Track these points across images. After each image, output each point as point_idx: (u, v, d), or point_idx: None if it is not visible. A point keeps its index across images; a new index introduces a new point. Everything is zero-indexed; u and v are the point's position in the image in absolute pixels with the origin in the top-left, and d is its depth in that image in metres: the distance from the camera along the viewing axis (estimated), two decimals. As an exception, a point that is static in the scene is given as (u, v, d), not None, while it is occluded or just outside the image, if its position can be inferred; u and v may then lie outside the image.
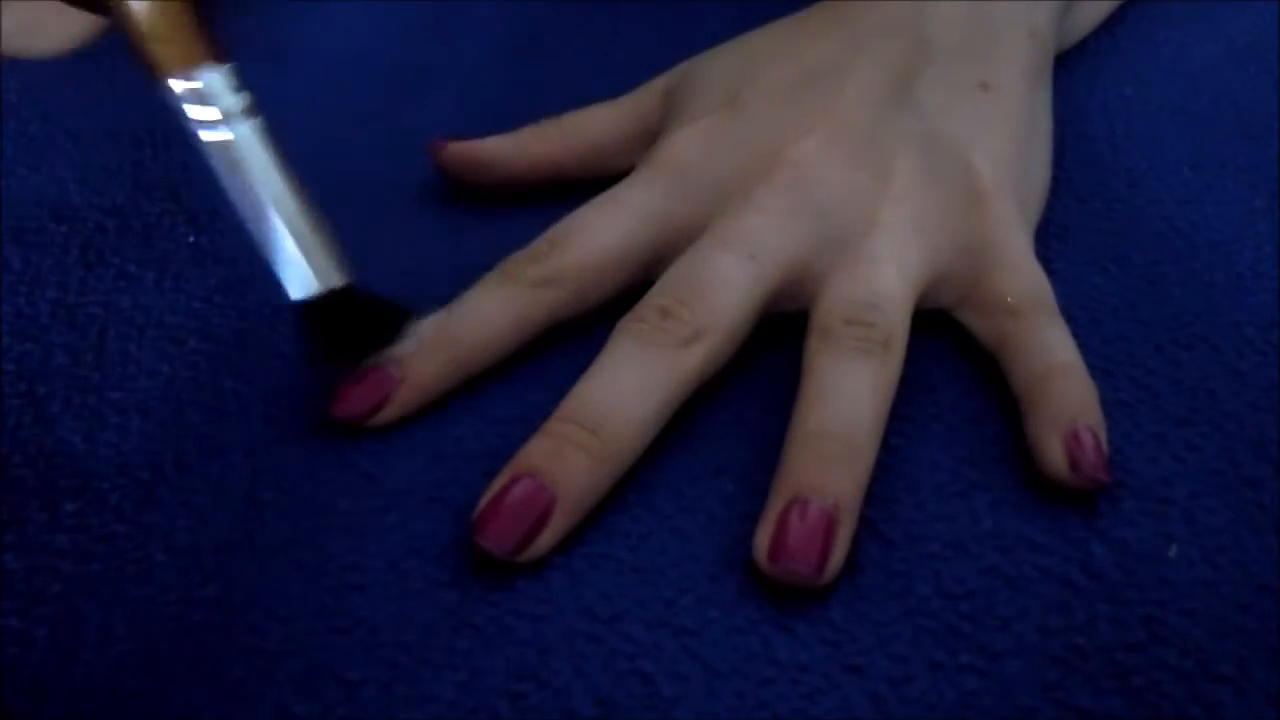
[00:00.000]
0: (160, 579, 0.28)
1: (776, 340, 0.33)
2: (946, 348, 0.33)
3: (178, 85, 0.29)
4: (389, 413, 0.31)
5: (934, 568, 0.28)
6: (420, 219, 0.38)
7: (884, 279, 0.32)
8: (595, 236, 0.33)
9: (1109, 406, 0.30)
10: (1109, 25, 0.46)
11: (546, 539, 0.28)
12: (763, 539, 0.27)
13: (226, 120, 0.29)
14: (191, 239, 0.38)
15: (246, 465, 0.30)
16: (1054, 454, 0.29)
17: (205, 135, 0.29)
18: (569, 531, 0.28)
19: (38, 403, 0.32)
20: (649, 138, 0.37)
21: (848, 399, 0.29)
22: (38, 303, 0.35)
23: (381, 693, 0.26)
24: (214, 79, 0.29)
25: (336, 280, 0.30)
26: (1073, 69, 0.44)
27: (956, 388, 0.32)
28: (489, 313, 0.32)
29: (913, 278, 0.32)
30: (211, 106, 0.29)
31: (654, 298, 0.31)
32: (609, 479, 0.29)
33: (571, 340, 0.33)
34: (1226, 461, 0.30)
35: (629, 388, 0.29)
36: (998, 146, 0.35)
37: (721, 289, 0.31)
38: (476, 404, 0.32)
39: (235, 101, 0.30)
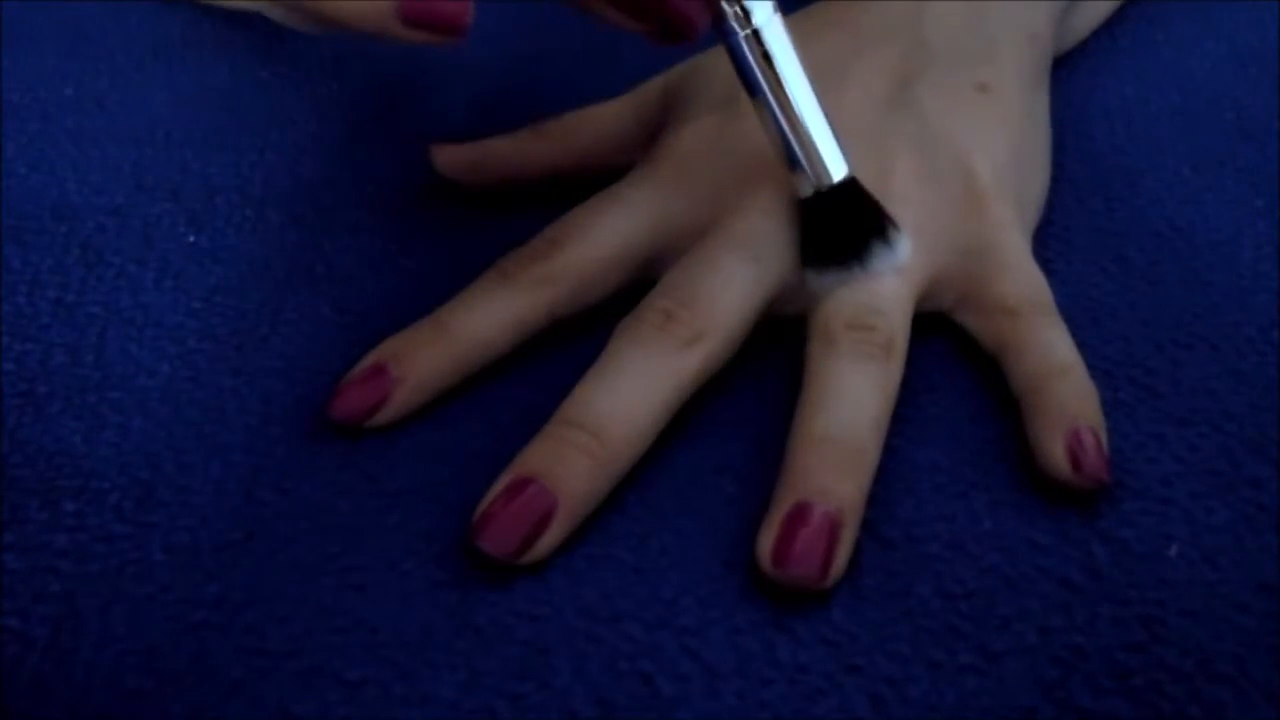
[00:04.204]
0: (160, 579, 0.28)
1: (777, 340, 0.33)
2: (946, 349, 0.33)
3: None
4: (387, 413, 0.31)
5: (934, 568, 0.28)
6: (420, 219, 0.38)
7: (885, 282, 0.32)
8: (595, 234, 0.33)
9: (1109, 406, 0.30)
10: (1109, 25, 0.46)
11: (547, 542, 0.28)
12: (766, 543, 0.27)
13: (760, 18, 0.31)
14: (191, 239, 0.38)
15: (246, 465, 0.30)
16: (1056, 454, 0.29)
17: (742, 33, 0.31)
18: (569, 534, 0.28)
19: (38, 403, 0.32)
20: (649, 136, 0.37)
21: (850, 403, 0.29)
22: (38, 302, 0.35)
23: (381, 693, 0.26)
24: None
25: (849, 168, 0.32)
26: (1073, 69, 0.44)
27: (956, 389, 0.32)
28: (488, 311, 0.32)
29: (913, 280, 0.32)
30: (748, 7, 0.31)
31: (655, 298, 0.31)
32: (610, 481, 0.29)
33: (571, 340, 0.33)
34: (1226, 461, 0.30)
35: (630, 390, 0.29)
36: (996, 148, 0.35)
37: (723, 291, 0.31)
38: (476, 404, 0.32)
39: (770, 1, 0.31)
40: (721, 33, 0.31)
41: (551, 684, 0.26)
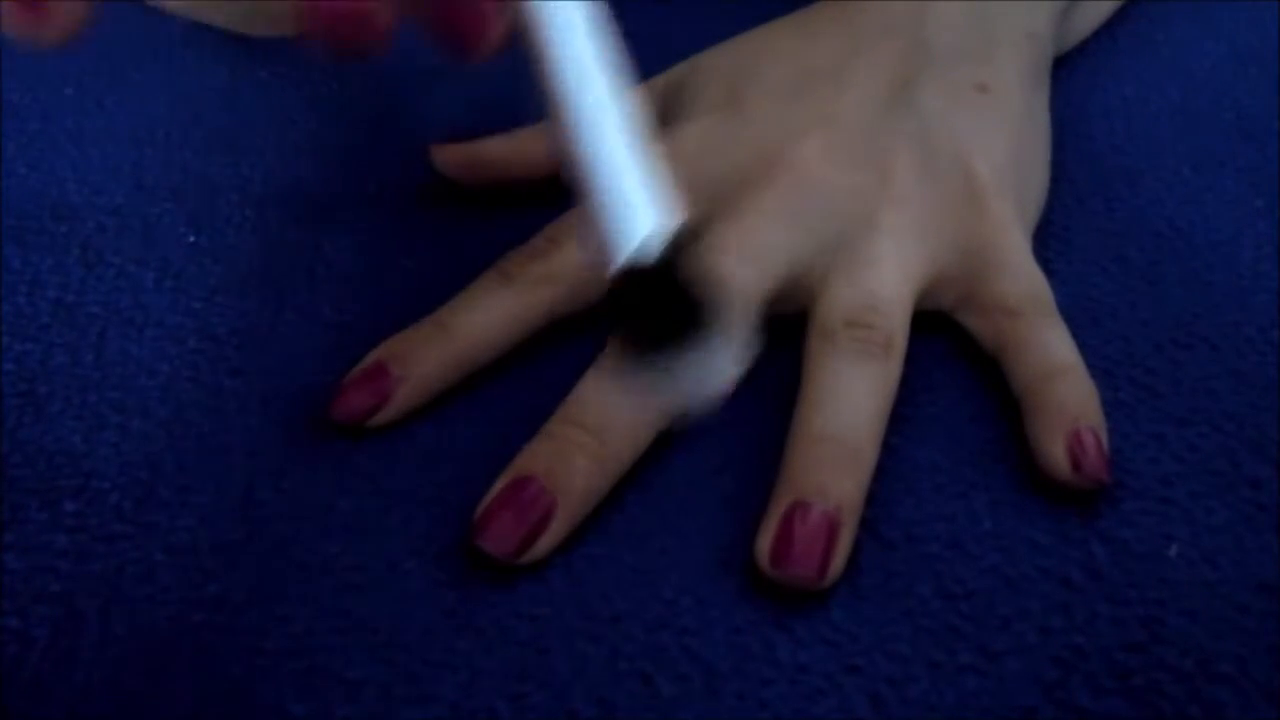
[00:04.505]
0: (160, 579, 0.28)
1: (776, 340, 0.33)
2: (946, 349, 0.33)
3: None
4: (388, 413, 0.31)
5: (934, 568, 0.28)
6: (420, 219, 0.38)
7: (884, 281, 0.32)
8: (595, 235, 0.33)
9: (1109, 406, 0.30)
10: (1109, 25, 0.46)
11: (547, 541, 0.28)
12: (764, 542, 0.27)
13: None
14: (191, 239, 0.38)
15: (246, 465, 0.30)
16: (1056, 454, 0.29)
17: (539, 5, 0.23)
18: (569, 534, 0.28)
19: (38, 403, 0.32)
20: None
21: (849, 401, 0.29)
22: (38, 303, 0.35)
23: (381, 693, 0.26)
24: None
25: (676, 219, 0.23)
26: (1073, 69, 0.44)
27: (956, 389, 0.32)
28: (488, 310, 0.32)
29: (912, 279, 0.32)
30: None
31: (654, 298, 0.31)
32: (610, 481, 0.29)
33: (571, 340, 0.33)
34: (1226, 461, 0.30)
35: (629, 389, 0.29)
36: (996, 148, 0.35)
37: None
38: (476, 403, 0.32)
39: None
40: (521, 14, 0.24)
41: (551, 684, 0.26)
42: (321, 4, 0.23)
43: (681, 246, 0.23)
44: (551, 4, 0.24)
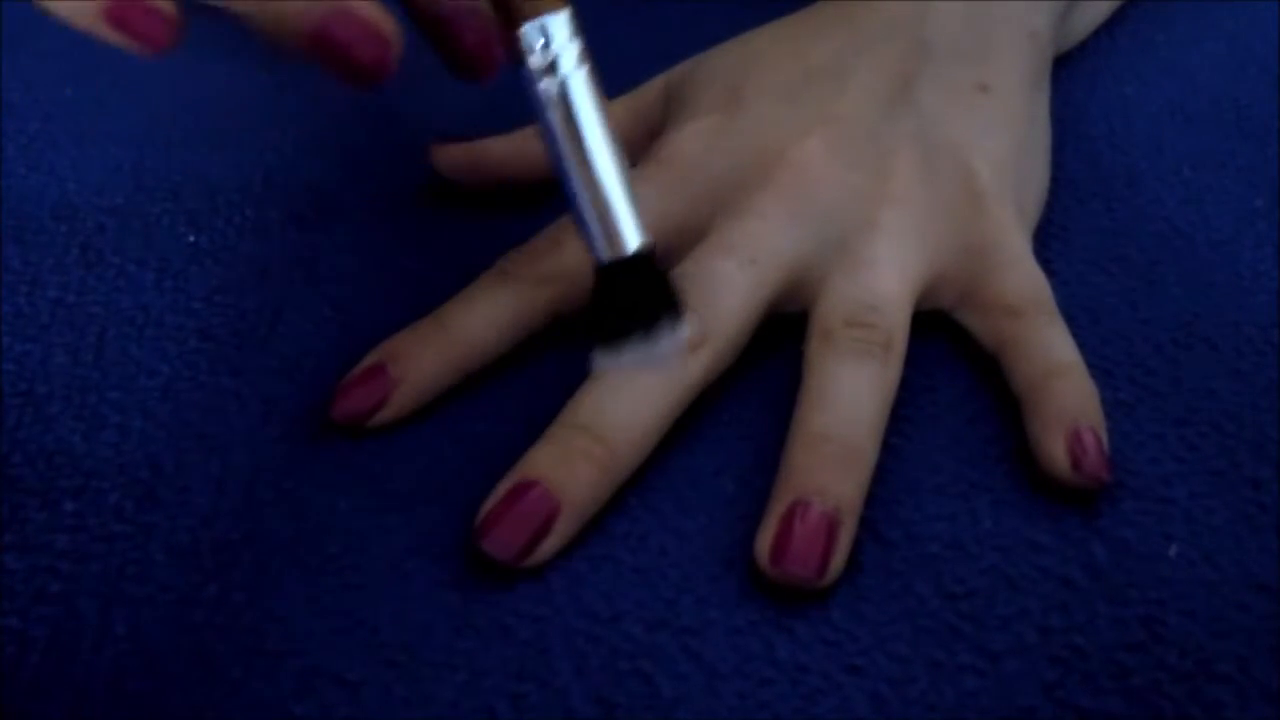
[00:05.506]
0: (160, 579, 0.28)
1: (776, 341, 0.33)
2: (946, 349, 0.33)
3: (530, 29, 0.28)
4: (388, 413, 0.31)
5: (934, 568, 0.28)
6: (420, 219, 0.38)
7: (884, 280, 0.32)
8: (595, 235, 0.33)
9: (1109, 406, 0.30)
10: (1109, 25, 0.46)
11: (550, 545, 0.28)
12: (764, 541, 0.27)
13: (567, 66, 0.28)
14: (191, 239, 0.38)
15: (246, 465, 0.30)
16: (1056, 454, 0.29)
17: (544, 81, 0.28)
18: (572, 538, 0.28)
19: (38, 403, 0.32)
20: (649, 136, 0.37)
21: (849, 401, 0.29)
22: (38, 302, 0.35)
23: (381, 693, 0.26)
24: (561, 23, 0.28)
25: (647, 238, 0.28)
26: (1073, 69, 0.44)
27: (956, 388, 0.32)
28: (488, 310, 0.32)
29: (912, 279, 0.32)
30: (553, 52, 0.28)
31: (655, 300, 0.31)
32: (613, 486, 0.29)
33: (571, 340, 0.33)
34: (1226, 461, 0.30)
35: (634, 395, 0.29)
36: (996, 148, 0.35)
37: (724, 294, 0.31)
38: (476, 404, 0.32)
39: (576, 46, 0.28)
40: (521, 78, 0.28)
41: (551, 684, 0.26)
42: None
43: (651, 255, 0.28)
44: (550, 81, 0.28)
